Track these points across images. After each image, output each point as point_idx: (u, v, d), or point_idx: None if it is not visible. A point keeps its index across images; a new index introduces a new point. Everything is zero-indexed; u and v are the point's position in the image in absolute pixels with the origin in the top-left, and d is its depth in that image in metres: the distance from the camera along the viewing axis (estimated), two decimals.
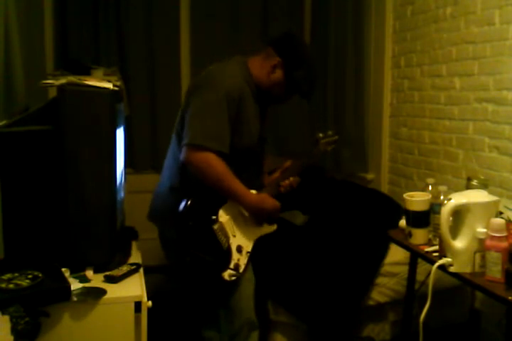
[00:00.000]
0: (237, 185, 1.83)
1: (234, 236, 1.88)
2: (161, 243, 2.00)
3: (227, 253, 1.84)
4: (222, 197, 1.87)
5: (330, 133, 2.09)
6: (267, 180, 2.09)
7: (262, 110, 2.00)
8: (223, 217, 1.87)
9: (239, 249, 1.88)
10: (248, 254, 1.92)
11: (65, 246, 1.64)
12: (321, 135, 2.06)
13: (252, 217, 1.93)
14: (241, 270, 1.87)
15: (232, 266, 1.84)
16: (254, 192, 1.94)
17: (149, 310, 1.54)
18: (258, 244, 1.97)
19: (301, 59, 1.93)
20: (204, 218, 1.83)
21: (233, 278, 1.83)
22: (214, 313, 2.01)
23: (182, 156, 1.80)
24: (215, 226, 1.83)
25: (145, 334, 1.55)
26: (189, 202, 1.79)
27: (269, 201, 1.93)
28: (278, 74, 1.91)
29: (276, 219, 2.02)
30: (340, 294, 2.40)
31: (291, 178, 2.04)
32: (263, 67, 1.92)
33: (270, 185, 2.04)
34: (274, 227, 2.03)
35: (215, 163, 1.77)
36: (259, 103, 1.96)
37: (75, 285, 1.53)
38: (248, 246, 1.93)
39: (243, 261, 1.88)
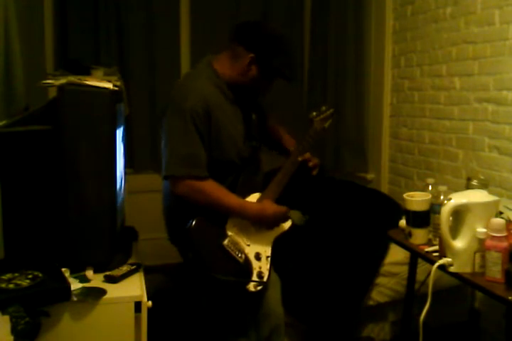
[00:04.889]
0: (231, 200, 1.77)
1: (248, 245, 1.84)
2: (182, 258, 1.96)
3: (247, 266, 1.80)
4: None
5: (323, 108, 1.95)
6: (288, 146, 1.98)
7: (248, 108, 1.90)
8: (231, 230, 1.82)
9: (257, 257, 1.84)
10: (269, 259, 1.87)
11: (65, 246, 1.64)
12: (314, 113, 1.93)
13: (259, 225, 1.88)
14: (265, 277, 1.82)
15: (255, 276, 1.80)
16: (256, 195, 1.88)
17: (149, 310, 1.54)
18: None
19: (274, 46, 1.79)
20: (212, 236, 1.79)
21: (259, 287, 1.79)
22: (243, 320, 1.96)
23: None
24: (225, 242, 1.79)
25: (145, 334, 1.54)
26: (194, 223, 1.74)
27: (270, 208, 1.84)
28: (254, 70, 1.80)
29: (289, 216, 1.95)
30: (340, 294, 2.41)
31: (314, 160, 1.93)
32: (235, 68, 1.81)
33: (274, 182, 1.89)
34: (289, 224, 1.95)
35: (197, 188, 1.74)
36: (239, 102, 1.86)
37: (75, 285, 1.53)
38: (266, 250, 1.88)
39: (265, 267, 1.84)
